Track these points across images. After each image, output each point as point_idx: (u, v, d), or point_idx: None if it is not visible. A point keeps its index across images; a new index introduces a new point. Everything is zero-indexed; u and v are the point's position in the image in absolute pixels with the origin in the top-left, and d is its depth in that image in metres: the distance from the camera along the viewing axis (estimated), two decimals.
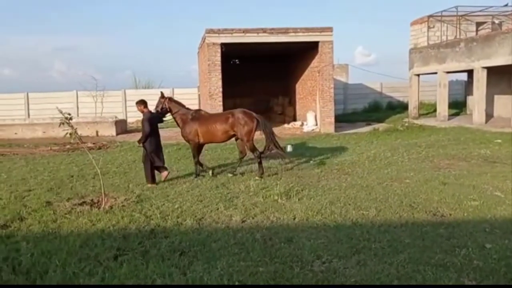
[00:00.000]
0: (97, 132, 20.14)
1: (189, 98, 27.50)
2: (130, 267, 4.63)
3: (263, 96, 25.38)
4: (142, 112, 9.06)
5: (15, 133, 20.64)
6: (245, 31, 17.61)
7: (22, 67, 71.73)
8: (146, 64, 70.38)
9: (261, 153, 9.65)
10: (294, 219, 6.34)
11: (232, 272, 4.46)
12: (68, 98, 28.14)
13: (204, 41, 18.41)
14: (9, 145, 17.43)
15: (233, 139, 9.96)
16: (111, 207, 7.09)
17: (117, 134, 20.10)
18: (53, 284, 4.32)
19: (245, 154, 9.92)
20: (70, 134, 7.29)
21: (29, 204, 7.52)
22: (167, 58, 74.07)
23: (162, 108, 9.67)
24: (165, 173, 9.08)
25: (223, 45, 17.43)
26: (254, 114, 9.76)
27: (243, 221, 6.27)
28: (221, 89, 17.65)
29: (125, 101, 27.88)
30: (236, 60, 26.81)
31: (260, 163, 9.54)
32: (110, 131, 20.01)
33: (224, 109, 17.94)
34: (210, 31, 17.40)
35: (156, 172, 8.99)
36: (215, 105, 17.53)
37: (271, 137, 9.65)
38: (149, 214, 6.65)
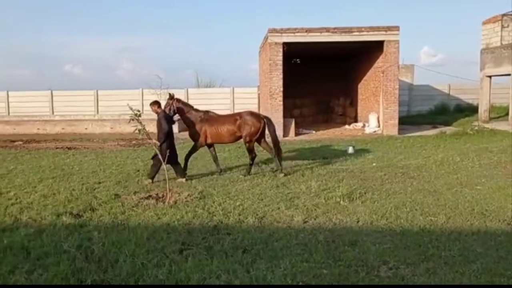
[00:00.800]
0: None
1: (249, 98, 27.86)
2: (195, 262, 4.72)
3: (324, 97, 25.07)
4: (157, 112, 9.31)
5: (86, 128, 21.84)
6: (308, 30, 17.47)
7: (91, 66, 75.69)
8: (207, 64, 71.83)
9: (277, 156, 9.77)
10: (358, 222, 6.20)
11: (295, 273, 4.42)
12: (134, 95, 29.26)
13: (266, 41, 18.47)
14: (80, 139, 18.46)
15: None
16: (175, 202, 7.29)
17: (179, 131, 20.61)
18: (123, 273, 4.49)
19: (274, 150, 9.87)
20: (139, 130, 7.56)
21: (99, 195, 7.89)
22: (227, 58, 75.11)
23: (170, 110, 9.79)
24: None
25: (285, 45, 17.41)
26: (261, 115, 10.11)
27: (305, 222, 6.22)
28: (281, 89, 17.63)
29: (187, 99, 28.52)
30: (297, 60, 26.67)
31: (251, 165, 9.82)
32: (174, 128, 20.53)
33: (284, 108, 17.94)
34: (272, 31, 17.44)
35: (156, 171, 8.98)
36: (275, 105, 17.55)
37: (276, 140, 9.86)
38: (212, 211, 6.76)
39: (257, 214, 6.56)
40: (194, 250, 5.12)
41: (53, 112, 28.94)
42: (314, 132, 19.42)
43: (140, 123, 7.54)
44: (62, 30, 75.97)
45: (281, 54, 17.39)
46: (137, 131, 7.63)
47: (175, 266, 4.62)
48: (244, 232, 5.78)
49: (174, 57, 74.53)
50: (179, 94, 28.44)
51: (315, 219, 6.32)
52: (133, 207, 7.06)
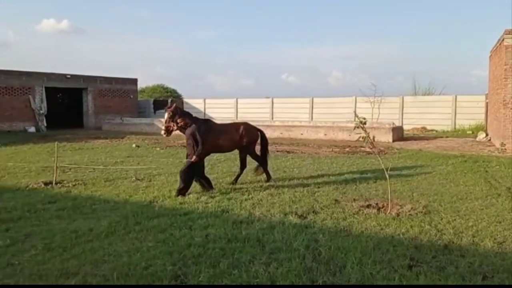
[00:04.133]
0: (373, 137, 20.46)
1: (474, 106, 25.38)
2: (427, 281, 4.42)
3: None
4: (186, 124, 8.92)
5: (301, 134, 23.07)
6: None
7: (304, 74, 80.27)
8: (421, 70, 68.10)
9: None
10: None
11: None
12: (346, 103, 29.73)
13: (501, 43, 16.37)
14: (296, 144, 19.59)
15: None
16: (397, 214, 6.99)
17: (393, 140, 20.02)
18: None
19: (263, 161, 10.08)
20: (363, 138, 7.53)
21: (320, 199, 8.14)
22: (445, 63, 69.61)
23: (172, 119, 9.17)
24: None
25: None
26: (255, 126, 10.30)
27: None
28: None
29: (402, 107, 27.60)
30: None
31: (264, 170, 10.05)
32: (386, 137, 20.10)
33: None
34: (510, 32, 15.34)
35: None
36: (509, 115, 15.36)
37: (266, 152, 10.15)
38: (440, 228, 6.25)
39: (495, 238, 5.79)
40: (425, 268, 4.78)
41: (272, 118, 31.58)
42: None
43: (365, 131, 7.49)
44: (278, 41, 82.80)
45: None
46: (361, 139, 7.60)
47: (405, 282, 4.40)
48: (480, 256, 5.16)
49: (383, 64, 73.18)
50: (393, 102, 27.87)
51: None
52: (354, 214, 7.05)
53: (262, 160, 10.14)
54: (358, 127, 7.45)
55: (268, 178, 10.03)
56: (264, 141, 10.27)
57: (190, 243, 5.60)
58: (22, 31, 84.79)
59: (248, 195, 8.52)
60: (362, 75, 65.50)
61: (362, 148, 16.51)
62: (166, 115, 9.25)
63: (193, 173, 8.67)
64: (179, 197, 8.30)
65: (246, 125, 10.21)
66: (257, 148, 10.28)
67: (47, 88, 31.23)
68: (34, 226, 6.50)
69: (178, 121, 8.99)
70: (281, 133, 23.73)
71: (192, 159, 8.46)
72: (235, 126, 10.11)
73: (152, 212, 7.26)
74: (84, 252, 5.37)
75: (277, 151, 16.56)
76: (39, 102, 30.52)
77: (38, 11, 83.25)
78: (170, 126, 9.19)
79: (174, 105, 9.45)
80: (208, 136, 8.99)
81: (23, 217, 7.03)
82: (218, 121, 26.49)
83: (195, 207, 7.55)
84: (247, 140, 9.83)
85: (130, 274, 4.65)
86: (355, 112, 7.76)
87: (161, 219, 6.80)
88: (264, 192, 8.73)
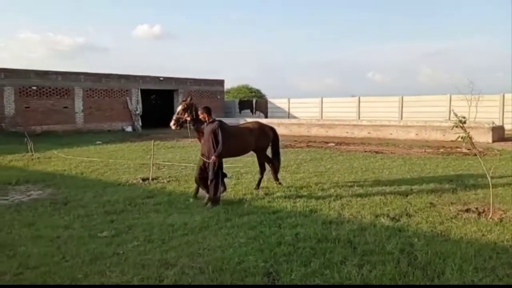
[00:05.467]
0: (471, 137, 19.24)
1: None
2: None
3: None
4: (205, 120, 8.14)
5: (390, 134, 22.26)
6: None
7: (391, 72, 77.32)
8: None
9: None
10: None
11: None
12: (439, 101, 28.19)
13: None
14: (386, 144, 18.94)
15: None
16: (500, 220, 6.50)
17: (493, 141, 18.61)
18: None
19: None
20: (462, 138, 7.09)
21: (413, 202, 7.80)
22: None
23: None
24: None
25: None
26: (268, 125, 9.72)
27: None
28: None
29: (503, 106, 25.54)
30: None
31: (261, 178, 9.36)
32: (485, 138, 18.73)
33: None
34: None
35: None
36: None
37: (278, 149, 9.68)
38: None
39: None
40: None
41: (359, 117, 30.85)
42: None
43: (465, 130, 7.04)
44: (363, 39, 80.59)
45: None
46: (460, 139, 7.15)
47: None
48: None
49: (479, 60, 68.32)
50: (493, 100, 25.89)
51: None
52: (451, 218, 6.67)
53: (275, 159, 9.60)
54: (456, 127, 7.01)
55: (258, 185, 9.24)
56: (276, 140, 9.67)
57: (280, 241, 5.65)
58: (120, 37, 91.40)
59: (336, 195, 8.40)
60: (454, 71, 61.56)
61: (458, 149, 15.56)
62: (179, 107, 8.91)
63: (220, 171, 8.05)
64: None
65: (260, 125, 9.53)
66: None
67: (142, 90, 33.33)
68: (135, 219, 6.98)
69: (199, 113, 8.26)
70: (369, 133, 23.10)
71: (211, 160, 7.83)
72: (248, 128, 9.24)
73: (242, 209, 7.43)
74: (180, 245, 5.65)
75: (365, 151, 16.15)
76: (135, 103, 32.67)
77: (133, 18, 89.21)
78: (181, 118, 8.79)
79: (189, 99, 8.98)
80: (224, 138, 7.96)
81: (125, 210, 7.57)
82: (303, 121, 26.54)
83: (283, 206, 7.61)
84: (262, 141, 9.23)
85: (224, 268, 4.80)
86: (452, 110, 7.29)
87: (251, 216, 6.94)
88: (353, 193, 8.56)
